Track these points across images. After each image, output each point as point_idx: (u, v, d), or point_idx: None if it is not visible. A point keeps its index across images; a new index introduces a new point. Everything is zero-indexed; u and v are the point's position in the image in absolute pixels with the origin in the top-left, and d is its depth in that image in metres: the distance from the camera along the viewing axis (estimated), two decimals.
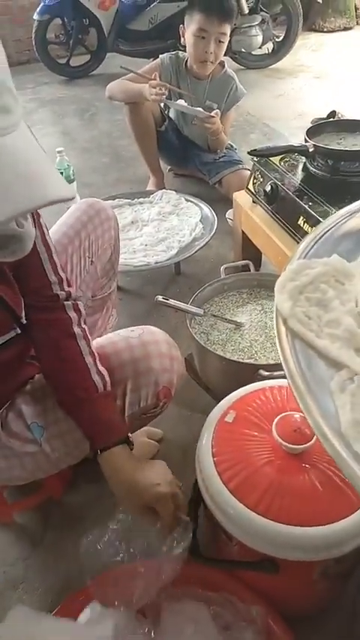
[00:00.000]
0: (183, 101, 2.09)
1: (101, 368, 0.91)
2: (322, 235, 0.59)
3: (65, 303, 0.93)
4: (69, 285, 0.94)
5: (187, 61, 2.10)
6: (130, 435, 0.91)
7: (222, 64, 2.11)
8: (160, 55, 2.14)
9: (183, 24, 2.02)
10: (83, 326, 0.94)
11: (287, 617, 0.87)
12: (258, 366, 1.16)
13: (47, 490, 1.19)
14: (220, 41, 1.97)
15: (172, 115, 2.25)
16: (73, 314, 0.93)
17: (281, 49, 3.88)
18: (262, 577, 0.84)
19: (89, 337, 0.94)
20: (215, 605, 0.87)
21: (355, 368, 0.43)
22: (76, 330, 0.92)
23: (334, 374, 0.44)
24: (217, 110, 2.04)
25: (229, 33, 1.99)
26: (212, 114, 2.00)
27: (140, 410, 0.98)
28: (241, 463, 0.84)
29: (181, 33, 2.03)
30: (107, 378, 0.90)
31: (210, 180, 2.30)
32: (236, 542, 0.82)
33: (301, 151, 1.51)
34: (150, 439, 1.35)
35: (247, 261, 1.64)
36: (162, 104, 2.22)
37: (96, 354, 0.92)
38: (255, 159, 1.66)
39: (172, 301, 1.35)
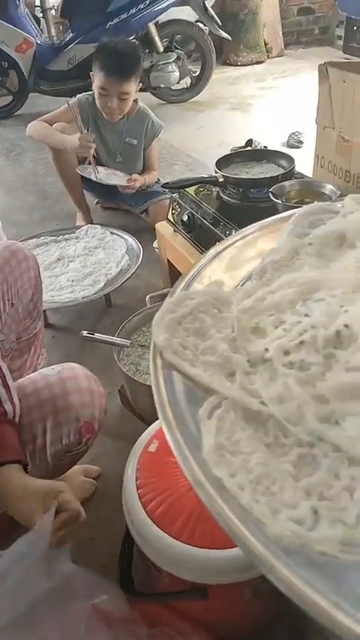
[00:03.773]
0: (104, 169, 2.16)
1: (16, 400, 0.89)
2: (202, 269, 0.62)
3: None
4: None
5: None
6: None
7: (135, 101, 2.18)
8: (77, 95, 2.19)
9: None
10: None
11: None
12: None
13: None
14: (122, 98, 2.04)
15: (95, 150, 2.29)
16: None
17: (198, 83, 4.07)
18: (197, 605, 0.84)
19: (4, 373, 0.92)
20: None
21: (225, 392, 0.46)
22: None
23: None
24: (135, 175, 2.16)
25: (133, 89, 2.04)
26: (131, 178, 2.12)
27: (64, 447, 0.97)
28: (164, 493, 0.85)
29: (92, 79, 2.09)
30: (18, 410, 0.89)
31: (136, 210, 2.35)
32: (165, 573, 0.82)
33: (212, 181, 1.58)
34: (88, 477, 1.33)
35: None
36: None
37: (11, 387, 0.90)
38: (171, 191, 1.73)
39: (97, 335, 1.35)
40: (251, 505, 0.35)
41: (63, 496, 0.78)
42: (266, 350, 0.51)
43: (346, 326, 0.52)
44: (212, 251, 0.67)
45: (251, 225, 0.71)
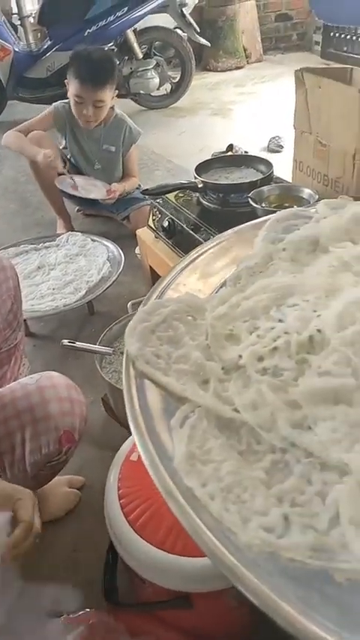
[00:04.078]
0: (82, 179, 2.15)
1: None
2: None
3: None
4: None
5: None
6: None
7: (112, 108, 2.19)
8: (54, 103, 2.18)
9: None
10: None
11: None
12: None
13: None
14: (97, 106, 2.03)
15: (73, 158, 2.29)
16: None
17: (178, 89, 4.09)
18: (182, 614, 0.83)
19: None
20: None
21: (197, 401, 0.46)
22: None
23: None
24: (114, 185, 2.16)
25: (108, 97, 2.04)
26: (110, 189, 2.12)
27: (43, 458, 0.96)
28: (147, 502, 0.84)
29: (67, 85, 2.08)
30: None
31: (118, 217, 2.35)
32: (149, 583, 0.81)
33: (191, 187, 1.58)
34: (71, 488, 1.32)
35: None
36: (61, 147, 2.26)
37: None
38: (151, 197, 1.73)
39: (78, 344, 1.34)
40: (221, 514, 0.35)
41: (20, 504, 0.77)
42: (240, 357, 0.51)
43: (318, 331, 0.52)
44: (186, 259, 0.67)
45: (225, 232, 0.71)
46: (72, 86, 2.00)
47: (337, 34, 4.80)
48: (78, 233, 2.11)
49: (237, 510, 0.36)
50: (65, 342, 1.31)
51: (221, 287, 0.63)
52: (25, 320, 1.78)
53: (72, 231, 2.22)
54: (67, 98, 2.16)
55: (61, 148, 2.27)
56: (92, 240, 2.04)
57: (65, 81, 2.07)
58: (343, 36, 4.73)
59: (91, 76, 1.95)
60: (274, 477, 0.40)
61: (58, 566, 1.15)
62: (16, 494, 0.80)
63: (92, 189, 2.17)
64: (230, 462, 0.40)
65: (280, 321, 0.56)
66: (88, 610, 0.89)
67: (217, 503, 0.36)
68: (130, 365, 0.50)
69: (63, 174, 2.11)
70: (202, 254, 0.68)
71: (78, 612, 0.88)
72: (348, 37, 4.66)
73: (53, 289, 1.77)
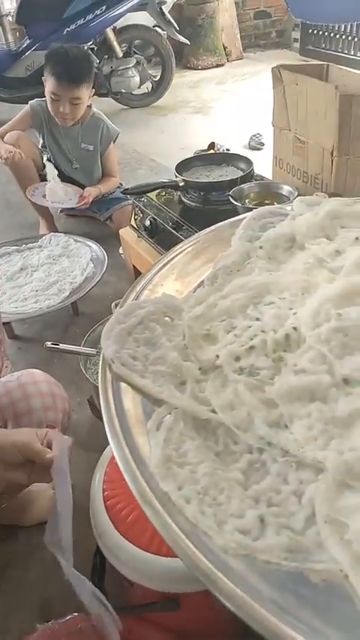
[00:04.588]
0: (54, 184, 2.13)
1: None
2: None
3: None
4: None
5: None
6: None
7: (89, 106, 2.17)
8: (30, 102, 2.16)
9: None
10: None
11: None
12: None
13: None
14: (73, 104, 2.02)
15: (52, 157, 2.27)
16: None
17: (159, 87, 4.07)
18: (169, 615, 0.83)
19: None
20: None
21: (174, 402, 0.46)
22: None
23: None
24: (87, 189, 2.15)
25: (85, 95, 2.02)
26: (83, 195, 2.12)
27: None
28: (132, 504, 0.84)
29: (44, 83, 2.06)
30: None
31: (100, 217, 2.33)
32: (136, 585, 0.80)
33: (172, 185, 1.58)
34: None
35: None
36: (39, 145, 2.25)
37: None
38: (132, 197, 1.72)
39: (62, 345, 1.33)
40: (197, 518, 0.35)
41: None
42: (217, 356, 0.51)
43: (294, 328, 0.52)
44: (164, 259, 0.66)
45: (202, 231, 0.71)
46: (48, 83, 1.98)
47: (315, 32, 4.83)
48: (61, 234, 2.09)
49: (213, 513, 0.36)
50: (49, 344, 1.29)
51: (199, 286, 0.63)
52: (9, 322, 1.77)
53: (55, 231, 2.20)
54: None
55: (39, 146, 2.25)
56: (75, 240, 2.02)
57: (42, 78, 2.04)
58: (321, 33, 4.75)
59: (67, 73, 1.93)
60: (250, 478, 0.40)
61: (45, 570, 1.14)
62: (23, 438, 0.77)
63: (63, 197, 2.15)
64: (207, 464, 0.40)
65: (257, 319, 0.56)
66: (76, 614, 0.88)
67: (193, 507, 0.36)
68: (106, 368, 0.49)
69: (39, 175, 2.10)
70: (179, 253, 0.68)
71: (66, 617, 0.87)
72: (326, 34, 4.69)
73: (37, 291, 1.76)
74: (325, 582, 0.32)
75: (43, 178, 2.25)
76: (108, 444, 1.11)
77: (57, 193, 2.14)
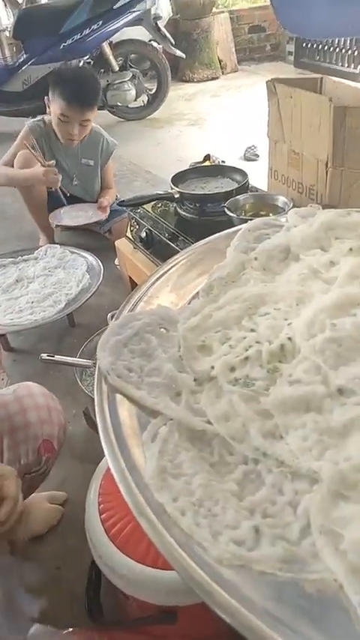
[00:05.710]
0: (69, 209, 2.20)
1: None
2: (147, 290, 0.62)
3: None
4: None
5: None
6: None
7: None
8: (27, 123, 2.18)
9: (48, 95, 2.06)
10: None
11: None
12: None
13: None
14: (83, 125, 2.05)
15: None
16: None
17: (155, 100, 4.12)
18: (167, 628, 0.82)
19: None
20: None
21: (169, 414, 0.46)
22: None
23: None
24: (101, 200, 2.20)
25: (93, 116, 2.07)
26: (101, 207, 2.18)
27: (22, 468, 0.95)
28: (127, 516, 0.83)
29: (46, 104, 2.08)
30: None
31: (101, 230, 2.35)
32: (132, 598, 0.80)
33: (168, 197, 1.59)
34: (54, 503, 1.30)
35: None
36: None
37: None
38: (128, 208, 1.73)
39: (57, 357, 1.33)
40: (192, 529, 0.35)
41: (3, 481, 0.76)
42: (212, 367, 0.51)
43: (289, 339, 0.53)
44: (159, 271, 0.67)
45: (197, 243, 0.71)
46: (56, 105, 2.00)
47: (309, 45, 4.91)
48: (57, 245, 2.10)
49: (208, 524, 0.36)
50: (44, 356, 1.29)
51: (194, 298, 0.64)
52: (4, 334, 1.77)
53: (51, 243, 2.21)
54: (44, 112, 2.16)
55: None
56: (71, 252, 2.03)
57: (45, 98, 2.06)
58: (314, 46, 4.83)
59: (78, 96, 1.96)
60: (245, 489, 0.40)
61: (41, 584, 1.13)
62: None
63: (84, 214, 2.19)
64: (202, 475, 0.40)
65: (252, 330, 0.56)
66: (71, 629, 0.87)
67: (188, 518, 0.36)
68: (102, 379, 0.49)
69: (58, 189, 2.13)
70: (174, 265, 0.69)
71: (62, 631, 0.86)
72: (319, 47, 4.77)
73: (32, 302, 1.75)
74: (321, 593, 0.32)
75: (49, 195, 2.27)
76: (103, 455, 1.11)
77: (77, 214, 2.19)
